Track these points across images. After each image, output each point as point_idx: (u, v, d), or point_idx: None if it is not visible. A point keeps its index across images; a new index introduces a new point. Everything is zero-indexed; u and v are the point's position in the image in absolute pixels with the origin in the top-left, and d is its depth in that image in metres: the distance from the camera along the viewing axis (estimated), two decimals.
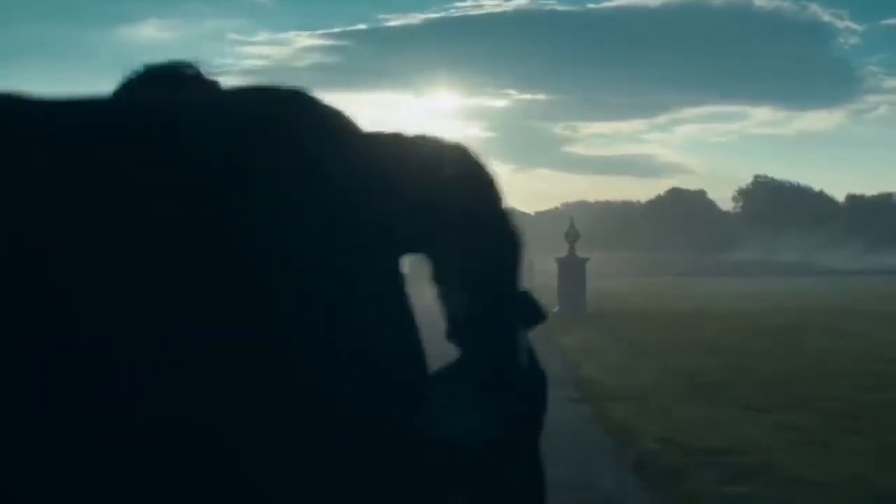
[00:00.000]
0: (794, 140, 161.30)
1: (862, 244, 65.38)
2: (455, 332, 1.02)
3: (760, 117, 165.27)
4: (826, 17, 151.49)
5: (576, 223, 18.84)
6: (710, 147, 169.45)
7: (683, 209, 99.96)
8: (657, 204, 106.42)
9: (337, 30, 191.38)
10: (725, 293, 26.66)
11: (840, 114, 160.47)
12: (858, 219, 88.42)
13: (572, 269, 17.49)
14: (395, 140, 1.02)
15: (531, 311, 1.11)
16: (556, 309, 17.69)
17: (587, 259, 17.73)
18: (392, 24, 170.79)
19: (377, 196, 0.92)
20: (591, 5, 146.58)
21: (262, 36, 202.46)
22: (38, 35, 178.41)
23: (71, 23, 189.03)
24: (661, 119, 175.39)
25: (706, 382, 9.11)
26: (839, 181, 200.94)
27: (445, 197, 0.96)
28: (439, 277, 1.01)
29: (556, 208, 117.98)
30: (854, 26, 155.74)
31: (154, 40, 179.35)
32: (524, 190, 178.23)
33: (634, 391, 8.77)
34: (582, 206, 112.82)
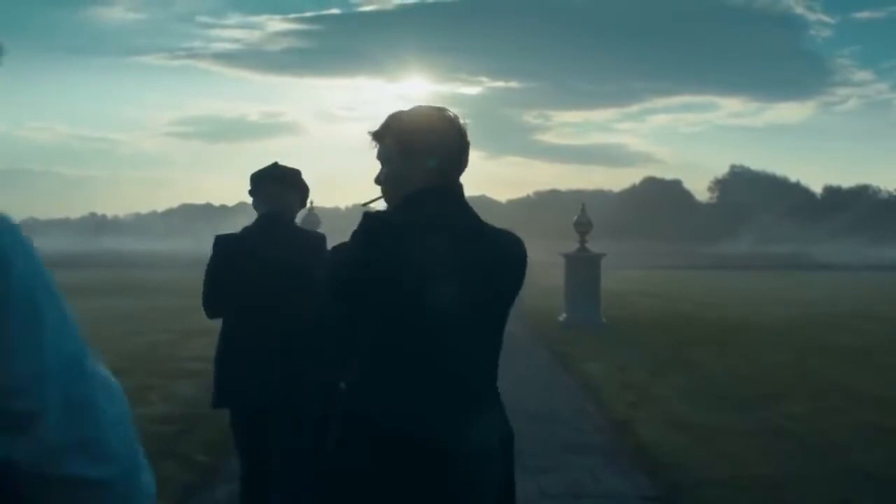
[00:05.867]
0: (764, 131, 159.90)
1: (861, 238, 62.56)
2: None
3: (731, 108, 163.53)
4: (799, 10, 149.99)
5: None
6: (680, 137, 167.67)
7: (659, 198, 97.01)
8: (632, 193, 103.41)
9: (309, 14, 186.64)
10: (746, 294, 23.24)
11: (810, 105, 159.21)
12: (840, 211, 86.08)
13: (584, 267, 13.77)
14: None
15: None
16: (562, 317, 14.02)
17: (603, 255, 14.03)
18: (365, 8, 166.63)
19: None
20: None
21: (234, 19, 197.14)
22: (12, 15, 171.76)
23: (44, 3, 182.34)
24: (633, 108, 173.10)
25: (885, 477, 5.47)
26: (812, 172, 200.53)
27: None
28: None
29: (528, 196, 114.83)
30: (826, 19, 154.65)
31: (124, 21, 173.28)
32: (495, 178, 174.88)
33: (765, 486, 5.14)
34: (553, 194, 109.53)
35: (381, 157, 2.17)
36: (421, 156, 2.10)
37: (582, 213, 13.99)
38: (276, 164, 3.59)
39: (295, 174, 3.58)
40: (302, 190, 3.60)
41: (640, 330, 13.56)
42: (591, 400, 8.13)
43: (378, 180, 2.18)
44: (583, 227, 13.91)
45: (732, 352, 11.20)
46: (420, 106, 2.20)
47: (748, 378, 9.05)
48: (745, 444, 6.32)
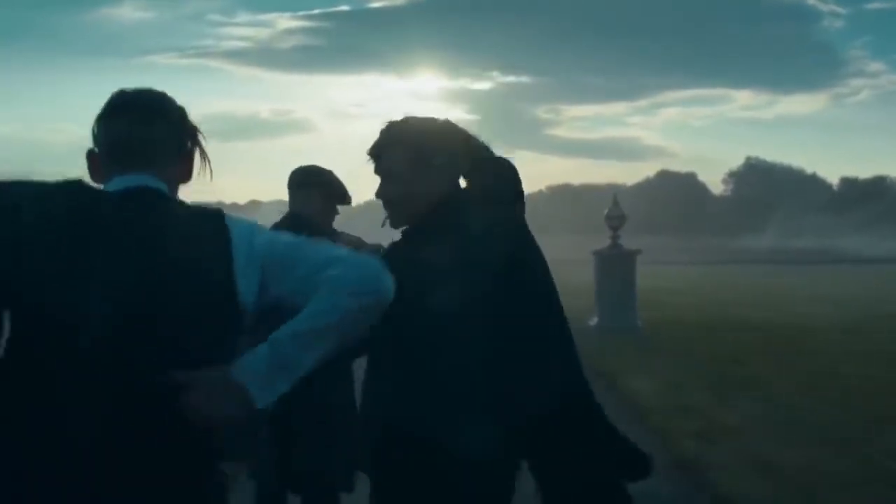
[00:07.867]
0: (776, 123, 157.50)
1: (883, 229, 60.65)
2: None
3: (743, 100, 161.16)
4: (811, 0, 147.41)
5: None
6: (692, 130, 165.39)
7: (674, 192, 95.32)
8: (646, 187, 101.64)
9: (319, 11, 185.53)
10: (783, 291, 21.79)
11: (823, 97, 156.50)
12: (859, 202, 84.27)
13: (618, 266, 12.40)
14: None
15: None
16: (593, 321, 12.60)
17: (639, 251, 12.64)
18: (375, 5, 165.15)
19: None
20: None
21: (243, 17, 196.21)
22: (22, 18, 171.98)
23: (53, 4, 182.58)
24: (644, 102, 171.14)
25: None
26: (827, 164, 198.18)
27: None
28: None
29: (541, 191, 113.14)
30: (838, 10, 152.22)
31: (133, 21, 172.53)
32: None
33: None
34: (566, 189, 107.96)
35: (381, 171, 2.15)
36: (433, 161, 2.11)
37: (614, 205, 12.61)
38: (297, 169, 3.64)
39: (308, 174, 3.60)
40: (321, 187, 3.56)
41: (682, 336, 12.15)
42: (644, 429, 6.72)
43: (383, 196, 2.16)
44: (615, 220, 12.52)
45: (797, 362, 9.77)
46: (413, 116, 2.18)
47: (829, 399, 7.62)
48: (857, 496, 4.93)
